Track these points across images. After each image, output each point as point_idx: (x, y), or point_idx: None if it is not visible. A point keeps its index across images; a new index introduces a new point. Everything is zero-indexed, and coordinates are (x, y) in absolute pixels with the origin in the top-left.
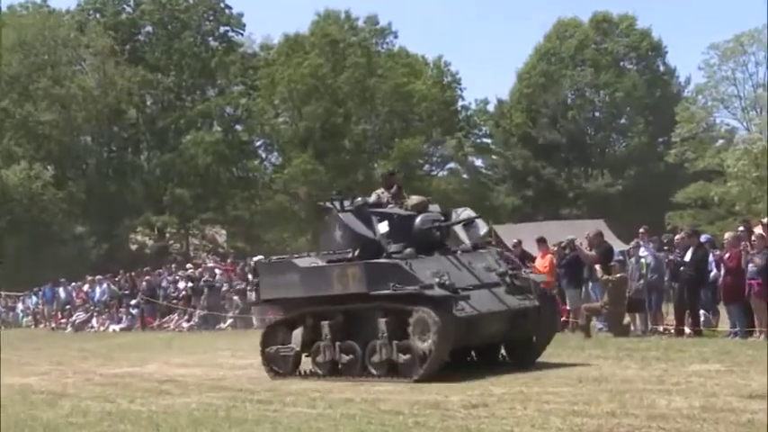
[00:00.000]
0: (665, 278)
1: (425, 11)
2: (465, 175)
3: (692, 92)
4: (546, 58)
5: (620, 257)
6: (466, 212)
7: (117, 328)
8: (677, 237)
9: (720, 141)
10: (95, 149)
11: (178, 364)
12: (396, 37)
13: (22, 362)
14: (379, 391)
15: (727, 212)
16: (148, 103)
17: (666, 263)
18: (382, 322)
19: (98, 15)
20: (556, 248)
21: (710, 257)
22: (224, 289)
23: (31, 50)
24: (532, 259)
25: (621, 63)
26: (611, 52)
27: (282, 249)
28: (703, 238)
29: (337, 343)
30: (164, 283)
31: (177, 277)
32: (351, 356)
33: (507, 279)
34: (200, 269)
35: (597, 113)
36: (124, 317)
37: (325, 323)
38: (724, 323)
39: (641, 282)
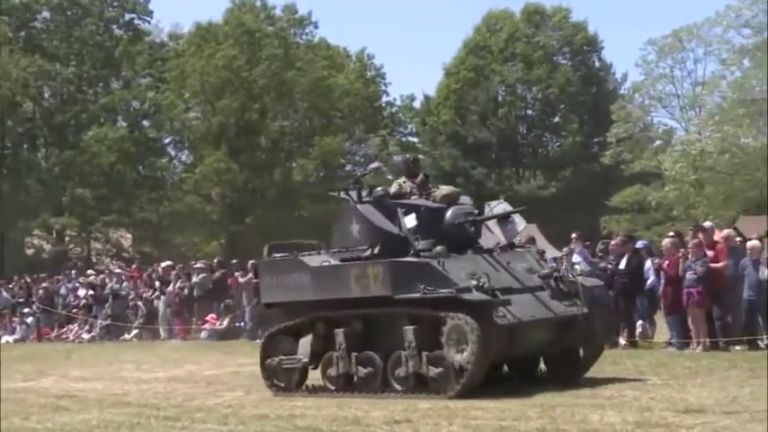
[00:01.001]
0: None
1: (347, 0)
2: (389, 176)
3: (629, 89)
4: (475, 52)
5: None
6: (501, 205)
7: (10, 339)
8: (612, 242)
9: (658, 142)
10: None
11: (77, 378)
12: (316, 27)
13: None
14: (295, 406)
15: (665, 217)
16: (46, 95)
17: (600, 270)
18: (409, 330)
19: None
20: None
21: (647, 265)
22: (129, 297)
23: None
24: None
25: (555, 58)
26: (543, 46)
27: (193, 255)
28: (639, 244)
29: (354, 353)
30: (62, 291)
31: (77, 284)
32: (369, 369)
33: (552, 282)
34: (102, 275)
35: (529, 111)
36: (18, 327)
37: (339, 331)
38: (661, 333)
39: None
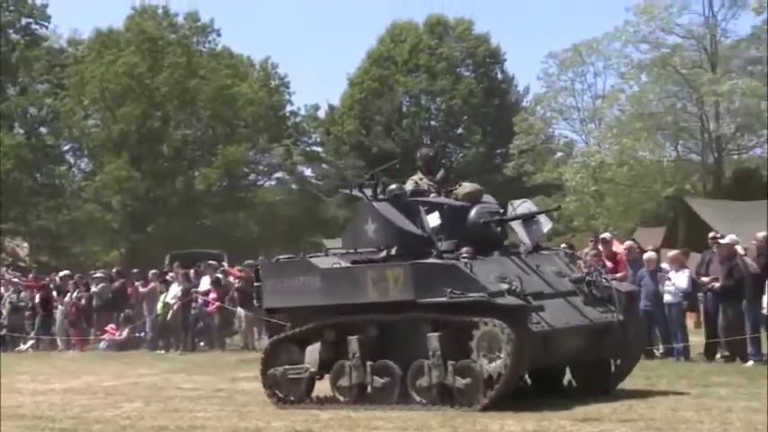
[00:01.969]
0: None
1: (250, 8)
2: (294, 186)
3: (531, 102)
4: (379, 63)
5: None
6: (525, 204)
7: None
8: None
9: (559, 154)
10: None
11: None
12: (219, 35)
13: None
14: (195, 417)
15: (566, 228)
16: None
17: None
18: (434, 338)
19: None
20: None
21: None
22: (27, 306)
23: None
24: None
25: (458, 69)
26: (446, 58)
27: (92, 264)
28: None
29: (368, 362)
30: None
31: None
32: (386, 379)
33: (584, 287)
34: None
35: (433, 122)
36: None
37: (352, 338)
38: None
39: None
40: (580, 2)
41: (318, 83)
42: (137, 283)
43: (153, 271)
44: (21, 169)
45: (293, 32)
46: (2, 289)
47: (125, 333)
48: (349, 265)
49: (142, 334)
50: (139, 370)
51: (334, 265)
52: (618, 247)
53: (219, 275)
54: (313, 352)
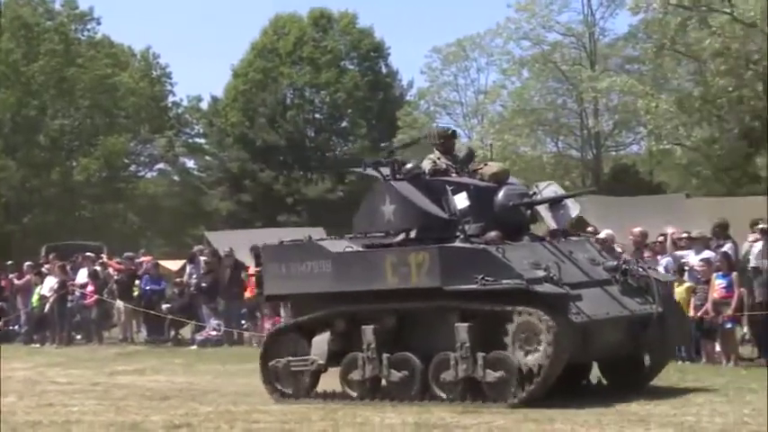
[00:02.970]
0: None
1: None
2: (176, 177)
3: (415, 96)
4: (263, 55)
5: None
6: (551, 187)
7: None
8: None
9: None
10: None
11: None
12: (98, 24)
13: None
14: (70, 411)
15: None
16: None
17: None
18: (462, 328)
19: None
20: None
21: None
22: None
23: None
24: (246, 268)
25: (342, 62)
26: (331, 50)
27: None
28: None
29: (385, 354)
30: None
31: None
32: (405, 373)
33: (619, 276)
34: None
35: (317, 115)
36: None
37: (367, 328)
38: None
39: None
40: None
41: (201, 74)
42: (11, 276)
43: (28, 263)
44: None
45: (175, 23)
46: None
47: None
48: (365, 249)
49: (16, 327)
50: (13, 364)
51: (348, 249)
52: None
53: (97, 268)
54: (321, 343)
